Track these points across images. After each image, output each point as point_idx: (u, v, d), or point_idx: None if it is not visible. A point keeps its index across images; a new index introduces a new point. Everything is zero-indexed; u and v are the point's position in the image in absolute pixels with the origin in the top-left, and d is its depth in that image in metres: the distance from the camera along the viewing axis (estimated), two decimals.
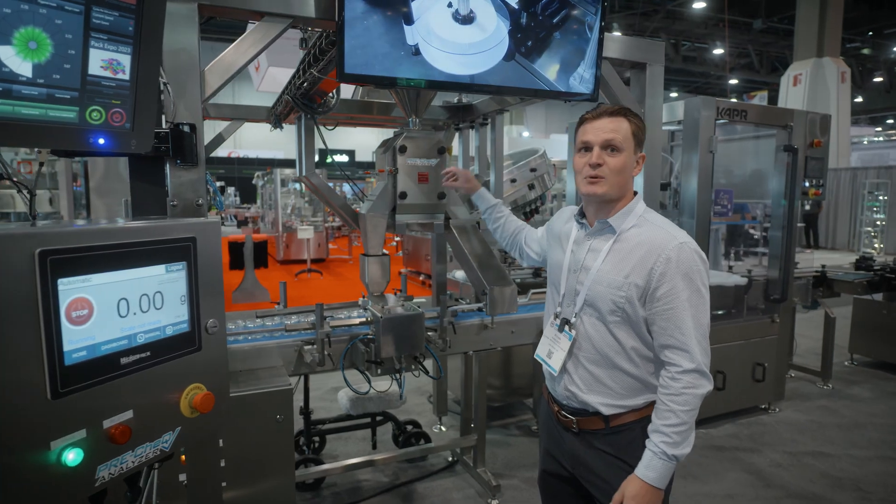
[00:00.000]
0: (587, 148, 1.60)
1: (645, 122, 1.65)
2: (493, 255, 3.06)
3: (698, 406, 1.49)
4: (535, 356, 1.86)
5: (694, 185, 3.95)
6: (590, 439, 1.67)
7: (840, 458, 3.76)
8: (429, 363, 2.90)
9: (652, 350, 1.58)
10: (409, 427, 3.84)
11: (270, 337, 2.79)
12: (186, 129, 1.46)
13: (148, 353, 1.16)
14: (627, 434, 1.62)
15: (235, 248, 7.95)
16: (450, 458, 3.74)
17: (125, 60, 1.19)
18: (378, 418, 3.73)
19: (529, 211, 4.24)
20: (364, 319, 2.85)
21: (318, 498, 3.30)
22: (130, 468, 1.14)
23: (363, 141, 23.05)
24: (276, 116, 3.42)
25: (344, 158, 23.97)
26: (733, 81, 23.53)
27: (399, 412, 4.12)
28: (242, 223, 15.78)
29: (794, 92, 15.42)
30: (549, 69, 1.87)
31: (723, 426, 4.24)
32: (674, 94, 25.38)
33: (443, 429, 4.20)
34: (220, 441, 2.38)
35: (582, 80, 1.89)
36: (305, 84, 2.61)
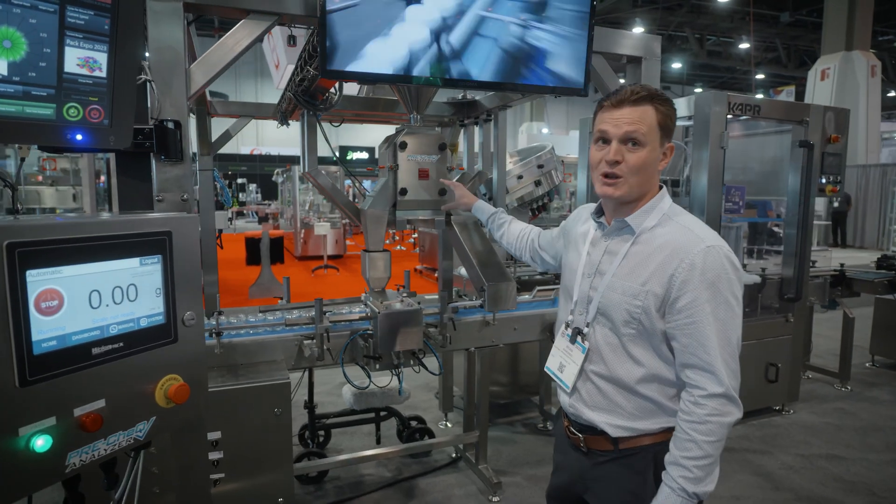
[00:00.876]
0: (605, 140, 1.39)
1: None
2: (494, 251, 3.05)
3: (725, 437, 1.30)
4: (545, 368, 1.69)
5: (704, 182, 3.88)
6: (598, 460, 1.49)
7: (854, 461, 3.66)
8: (432, 360, 2.92)
9: (673, 370, 1.39)
10: (414, 423, 3.86)
11: (272, 331, 2.83)
12: (171, 125, 1.49)
13: (121, 344, 1.18)
14: (639, 461, 1.43)
15: (252, 244, 8.06)
16: (453, 455, 3.75)
17: (102, 58, 1.22)
18: (382, 413, 3.76)
19: (536, 208, 4.21)
20: (364, 315, 2.87)
21: (321, 491, 3.34)
22: (103, 455, 1.17)
23: (382, 138, 23.17)
24: (281, 113, 3.46)
25: (364, 155, 24.14)
26: (760, 76, 23.01)
27: (404, 408, 4.14)
28: (263, 219, 16.01)
29: (821, 87, 15.01)
30: (537, 63, 1.86)
31: (734, 427, 4.16)
32: (698, 90, 24.93)
33: (448, 425, 4.21)
34: (219, 434, 2.45)
35: (572, 73, 1.87)
36: (304, 81, 2.63)
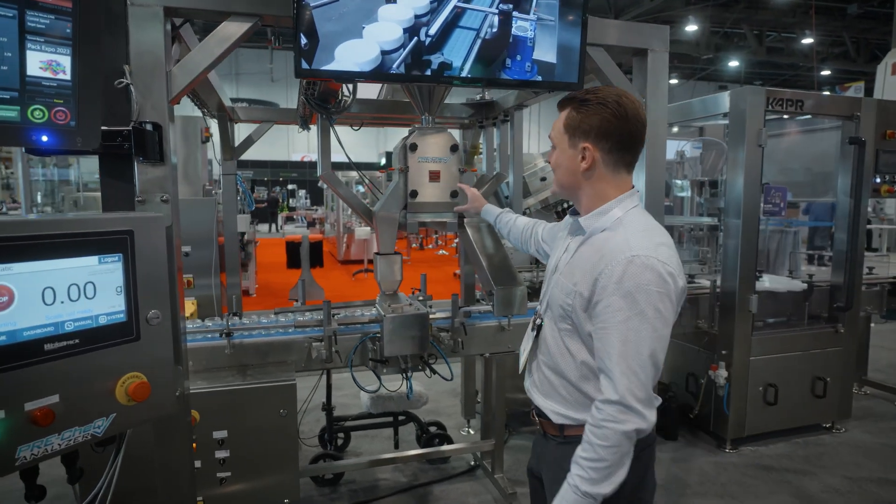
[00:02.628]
0: None
1: (623, 111, 1.39)
2: (506, 255, 2.98)
3: (623, 444, 1.28)
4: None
5: (740, 183, 3.67)
6: (551, 444, 1.58)
7: None
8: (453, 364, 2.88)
9: None
10: (433, 428, 3.81)
11: (283, 333, 2.86)
12: (149, 127, 1.52)
13: (76, 341, 1.20)
14: (577, 448, 1.43)
15: (292, 248, 8.24)
16: (472, 463, 3.68)
17: (65, 61, 1.25)
18: (400, 418, 3.73)
19: (561, 210, 4.10)
20: (372, 318, 2.86)
21: (336, 493, 3.34)
22: (58, 450, 1.19)
23: None
24: (301, 118, 3.51)
25: None
26: (826, 73, 21.73)
27: (426, 413, 4.10)
28: (311, 224, 16.42)
29: (891, 81, 13.93)
30: (523, 55, 1.79)
31: (774, 444, 3.90)
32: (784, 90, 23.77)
33: (471, 431, 4.14)
34: (225, 433, 2.49)
35: (565, 68, 1.79)
36: (313, 85, 2.65)
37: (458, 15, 1.65)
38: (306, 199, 19.50)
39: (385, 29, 1.59)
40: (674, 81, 24.28)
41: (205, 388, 2.47)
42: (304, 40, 1.55)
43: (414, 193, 2.81)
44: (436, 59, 1.67)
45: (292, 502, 2.63)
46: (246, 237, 8.33)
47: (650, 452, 1.51)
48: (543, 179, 3.97)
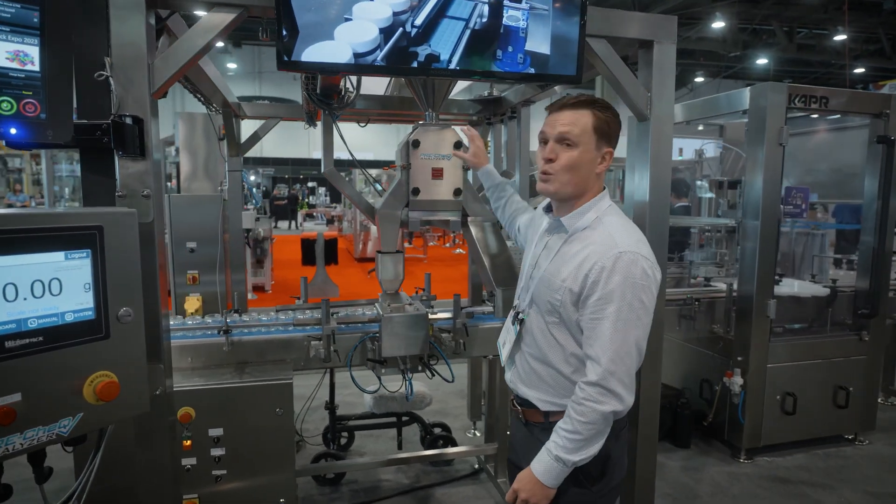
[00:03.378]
0: (545, 141, 1.55)
1: (616, 114, 1.54)
2: (509, 255, 2.91)
3: (599, 422, 1.43)
4: (497, 343, 1.90)
5: (759, 183, 3.53)
6: (534, 431, 1.66)
7: None
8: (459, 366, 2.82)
9: None
10: (437, 430, 3.76)
11: (283, 331, 2.83)
12: (129, 120, 1.49)
13: (40, 339, 1.17)
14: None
15: (307, 245, 8.25)
16: (475, 466, 3.62)
17: (33, 52, 1.22)
18: (404, 418, 3.68)
19: None
20: (372, 317, 2.82)
21: (337, 493, 3.31)
22: (19, 450, 1.16)
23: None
24: (307, 114, 3.47)
25: None
26: (859, 70, 21.03)
27: (432, 413, 4.05)
28: (330, 221, 16.51)
29: None
30: (515, 47, 1.71)
31: (792, 455, 3.75)
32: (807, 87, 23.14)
33: (477, 433, 4.08)
34: (220, 431, 2.46)
35: (561, 59, 1.70)
36: (312, 80, 2.61)
37: (445, 4, 1.59)
38: (326, 196, 19.60)
39: (359, 29, 1.53)
40: (699, 79, 23.79)
41: (200, 386, 2.45)
42: (284, 32, 1.51)
43: (416, 191, 2.76)
44: (423, 51, 1.61)
45: (288, 502, 2.60)
46: (262, 234, 8.39)
47: (627, 434, 1.66)
48: None
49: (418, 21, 1.59)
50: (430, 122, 2.85)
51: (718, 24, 17.78)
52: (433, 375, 2.85)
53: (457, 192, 2.78)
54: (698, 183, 4.97)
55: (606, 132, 1.51)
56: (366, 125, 3.75)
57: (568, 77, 1.76)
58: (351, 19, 1.53)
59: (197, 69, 2.53)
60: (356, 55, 1.56)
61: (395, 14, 1.57)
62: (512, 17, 1.64)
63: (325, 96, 2.92)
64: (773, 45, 18.95)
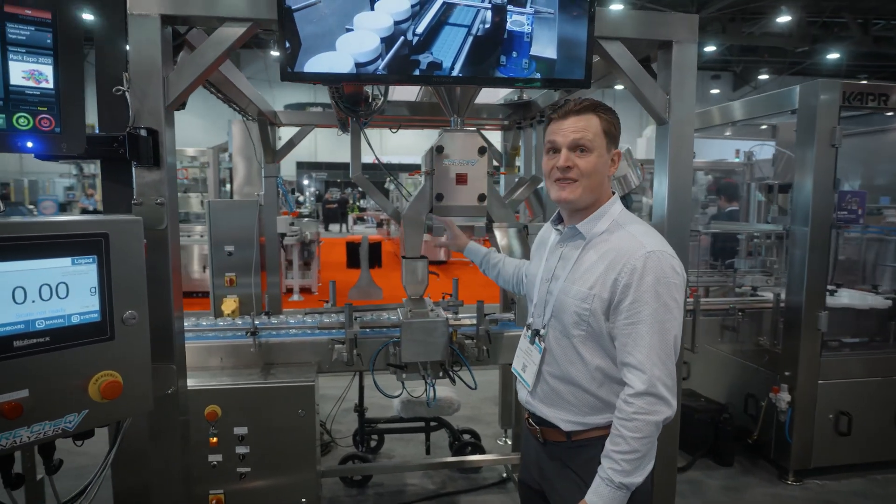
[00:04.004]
0: (555, 150, 1.51)
1: (615, 117, 1.53)
2: None
3: (654, 434, 1.37)
4: (512, 369, 1.82)
5: (808, 186, 3.32)
6: (553, 451, 1.60)
7: None
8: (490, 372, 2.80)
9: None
10: (466, 436, 3.74)
11: (309, 333, 2.90)
12: (143, 132, 1.57)
13: (47, 339, 1.25)
14: (589, 450, 1.52)
15: (352, 248, 8.42)
16: (503, 475, 3.57)
17: (47, 71, 1.30)
18: (432, 424, 3.68)
19: None
20: (394, 323, 2.84)
21: (363, 496, 3.35)
22: (27, 442, 1.23)
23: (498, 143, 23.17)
24: (339, 121, 3.55)
25: None
26: None
27: (465, 420, 4.04)
28: (380, 224, 16.79)
29: None
30: (520, 52, 1.68)
31: (847, 479, 3.50)
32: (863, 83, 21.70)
33: (507, 441, 4.03)
34: (245, 429, 2.54)
35: (568, 64, 1.66)
36: (336, 88, 2.67)
37: (447, 12, 1.58)
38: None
39: (360, 39, 1.55)
40: (764, 77, 22.67)
41: (227, 385, 2.54)
42: (287, 44, 1.55)
43: (440, 196, 2.76)
44: (424, 59, 1.61)
45: (310, 502, 2.65)
46: (309, 237, 8.62)
47: None
48: None
49: (420, 29, 1.59)
50: (455, 128, 2.85)
51: (784, 19, 16.90)
52: (455, 382, 2.85)
53: (481, 197, 2.76)
54: (750, 186, 4.74)
55: (613, 134, 1.50)
56: (397, 131, 3.80)
57: (576, 81, 1.71)
58: (352, 29, 1.55)
59: (227, 81, 2.63)
60: (357, 65, 1.58)
61: (397, 23, 1.58)
62: (516, 21, 1.62)
63: (353, 103, 2.98)
64: (845, 39, 17.83)
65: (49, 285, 1.25)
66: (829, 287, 3.52)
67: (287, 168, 25.16)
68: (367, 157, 3.19)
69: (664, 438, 2.31)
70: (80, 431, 1.32)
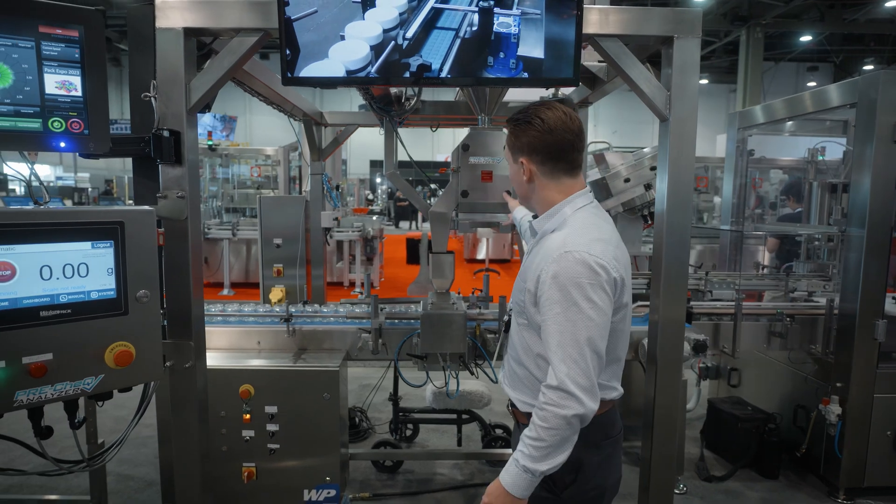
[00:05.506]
0: None
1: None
2: None
3: (564, 427, 1.37)
4: None
5: (866, 185, 3.10)
6: (522, 430, 1.63)
7: None
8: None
9: None
10: (498, 430, 3.79)
11: (339, 322, 3.07)
12: (166, 133, 1.76)
13: (69, 311, 1.46)
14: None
15: (412, 245, 8.61)
16: None
17: (76, 81, 1.52)
18: (464, 416, 3.76)
19: (648, 214, 3.79)
20: (417, 314, 2.94)
21: (392, 480, 3.49)
22: (51, 398, 1.45)
23: None
24: (380, 121, 3.70)
25: None
26: None
27: (499, 416, 4.08)
28: None
29: None
30: (507, 52, 1.72)
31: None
32: None
33: None
34: (275, 408, 2.73)
35: (555, 63, 1.68)
36: (365, 90, 2.81)
37: (435, 17, 1.65)
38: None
39: (350, 48, 1.66)
40: (869, 67, 20.76)
41: (258, 366, 2.75)
42: (287, 51, 1.68)
43: (465, 193, 2.83)
44: (414, 62, 1.69)
45: (334, 480, 2.81)
46: (371, 233, 8.91)
47: (613, 445, 1.62)
48: (627, 181, 3.71)
49: (409, 34, 1.67)
50: (481, 126, 2.92)
51: (893, 3, 15.41)
52: (476, 375, 2.92)
53: (507, 194, 2.80)
54: (812, 185, 4.43)
55: (513, 145, 1.58)
56: (436, 129, 3.90)
57: (565, 80, 1.74)
58: (344, 37, 1.67)
59: (268, 87, 2.85)
60: (348, 72, 1.69)
61: (386, 31, 1.67)
62: (503, 23, 1.66)
63: (385, 104, 3.12)
64: None
65: (72, 265, 1.46)
66: (890, 294, 3.26)
67: (360, 166, 26.01)
68: (418, 156, 3.33)
69: (661, 436, 2.30)
70: (98, 393, 1.53)
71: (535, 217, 1.70)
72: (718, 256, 4.85)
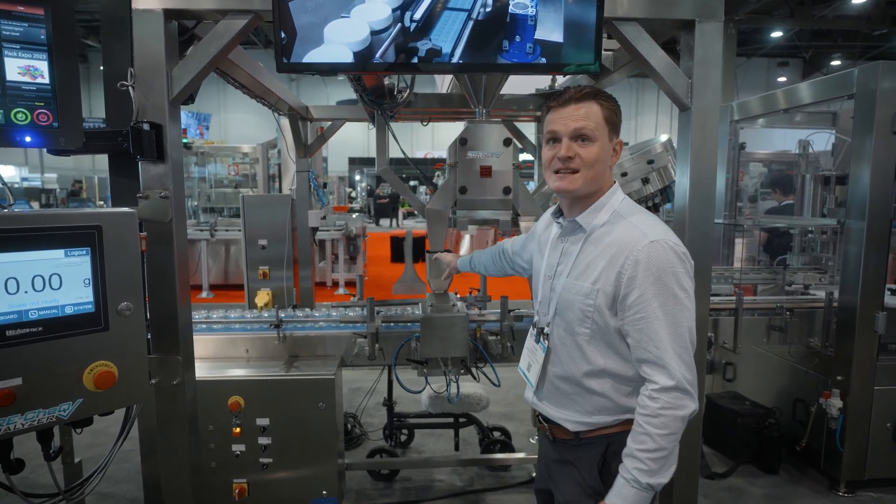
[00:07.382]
0: (555, 139, 1.45)
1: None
2: None
3: (680, 430, 1.31)
4: (518, 368, 1.77)
5: (866, 177, 3.06)
6: (561, 448, 1.56)
7: None
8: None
9: (630, 366, 1.41)
10: (496, 433, 3.68)
11: (332, 327, 2.91)
12: (146, 127, 1.59)
13: (40, 329, 1.28)
14: (595, 447, 1.49)
15: (396, 243, 8.46)
16: (533, 474, 3.48)
17: (43, 66, 1.34)
18: (461, 420, 3.64)
19: (653, 206, 3.71)
20: (415, 317, 2.81)
21: (389, 490, 3.35)
22: (21, 429, 1.28)
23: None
24: (370, 115, 3.54)
25: (527, 156, 23.95)
26: None
27: (499, 417, 3.98)
28: None
29: None
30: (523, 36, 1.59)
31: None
32: None
33: None
34: (267, 420, 2.57)
35: (576, 48, 1.56)
36: (356, 80, 2.65)
37: None
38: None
39: (354, 28, 1.51)
40: (837, 63, 21.21)
41: (249, 376, 2.58)
42: (282, 34, 1.53)
43: (463, 189, 2.71)
44: (423, 46, 1.55)
45: (331, 493, 2.66)
46: (354, 231, 8.72)
47: None
48: (624, 175, 3.62)
49: (417, 15, 1.53)
50: (479, 119, 2.78)
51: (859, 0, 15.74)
52: (478, 378, 2.80)
53: (506, 190, 2.69)
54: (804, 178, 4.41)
55: (615, 122, 1.45)
56: (427, 123, 3.76)
57: (585, 66, 1.61)
58: (348, 17, 1.52)
59: (252, 78, 2.66)
60: (354, 54, 1.54)
61: (393, 10, 1.52)
62: (519, 4, 1.53)
63: (377, 96, 2.96)
64: None
65: (42, 276, 1.28)
66: (889, 286, 3.23)
67: (339, 163, 25.63)
68: (412, 152, 3.18)
69: (685, 439, 2.22)
70: (75, 420, 1.36)
71: (556, 214, 1.58)
72: None
